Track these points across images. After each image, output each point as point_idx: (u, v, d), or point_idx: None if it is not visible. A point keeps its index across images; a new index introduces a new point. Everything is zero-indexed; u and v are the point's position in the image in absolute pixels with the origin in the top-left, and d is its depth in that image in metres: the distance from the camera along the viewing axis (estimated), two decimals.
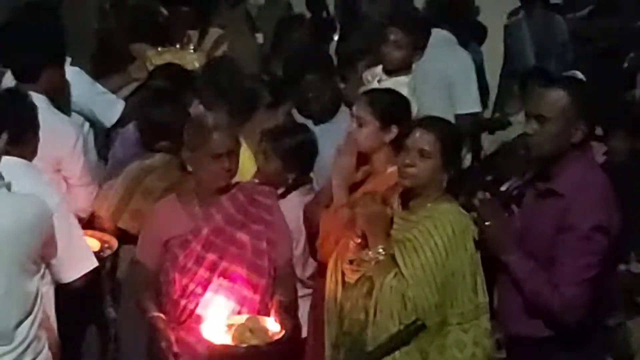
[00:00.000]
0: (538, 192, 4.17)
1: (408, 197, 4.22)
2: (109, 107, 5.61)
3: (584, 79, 5.76)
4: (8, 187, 3.84)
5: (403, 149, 4.19)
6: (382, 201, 4.17)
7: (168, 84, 5.56)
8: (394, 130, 4.52)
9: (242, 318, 4.18)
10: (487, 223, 4.15)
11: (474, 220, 4.17)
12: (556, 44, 8.83)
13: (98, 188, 5.15)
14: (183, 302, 4.26)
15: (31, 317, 3.85)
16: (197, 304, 4.25)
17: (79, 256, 4.16)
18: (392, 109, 4.62)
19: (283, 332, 4.10)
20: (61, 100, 5.26)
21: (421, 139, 4.14)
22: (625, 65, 8.65)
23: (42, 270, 3.96)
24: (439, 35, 6.55)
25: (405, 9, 8.26)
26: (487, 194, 4.25)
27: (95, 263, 4.26)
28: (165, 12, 7.14)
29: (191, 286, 4.26)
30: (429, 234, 4.06)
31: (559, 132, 4.04)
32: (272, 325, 4.14)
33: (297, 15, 8.84)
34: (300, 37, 7.67)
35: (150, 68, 6.12)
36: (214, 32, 7.44)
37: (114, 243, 4.79)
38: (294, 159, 4.94)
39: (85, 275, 4.19)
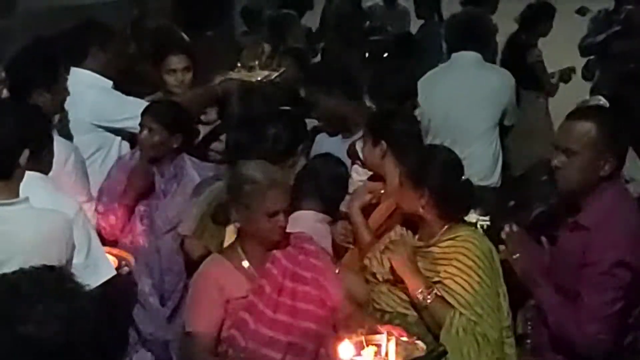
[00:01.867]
0: (565, 225, 4.12)
1: (410, 224, 4.29)
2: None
3: (607, 104, 5.73)
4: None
5: None
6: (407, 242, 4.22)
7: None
8: (383, 144, 4.68)
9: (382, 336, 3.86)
10: (514, 256, 4.12)
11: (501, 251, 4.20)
12: None
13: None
14: None
15: None
16: None
17: (97, 265, 4.13)
18: (377, 124, 4.79)
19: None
20: (51, 121, 5.27)
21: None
22: None
23: None
24: (469, 56, 6.61)
25: None
26: (515, 226, 4.21)
27: (113, 272, 4.23)
28: (186, 37, 7.14)
29: (265, 351, 3.99)
30: (469, 268, 4.07)
31: (588, 165, 3.95)
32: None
33: None
34: None
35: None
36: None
37: (132, 260, 4.79)
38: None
39: (103, 285, 4.14)
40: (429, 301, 4.06)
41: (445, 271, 4.09)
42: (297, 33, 8.41)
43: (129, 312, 5.28)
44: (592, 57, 9.71)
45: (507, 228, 4.19)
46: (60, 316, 2.50)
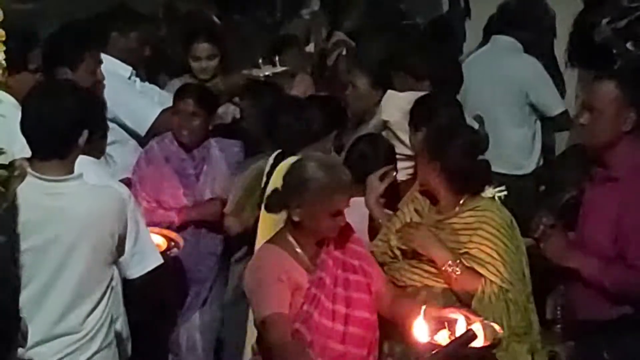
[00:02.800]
0: (594, 178, 4.31)
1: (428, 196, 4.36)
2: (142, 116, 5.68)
3: None
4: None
5: None
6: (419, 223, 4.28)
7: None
8: (424, 130, 4.73)
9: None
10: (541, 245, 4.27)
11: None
12: None
13: None
14: None
15: (100, 307, 3.88)
16: None
17: (145, 253, 4.14)
18: (417, 111, 4.92)
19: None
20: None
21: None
22: None
23: (115, 262, 4.00)
24: (503, 41, 6.61)
25: None
26: (548, 219, 4.33)
27: (160, 260, 4.25)
28: (218, 20, 7.15)
29: (330, 344, 3.97)
30: (494, 236, 4.16)
31: (611, 122, 4.20)
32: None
33: None
34: None
35: None
36: (338, 35, 7.60)
37: (181, 241, 4.81)
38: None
39: (151, 272, 4.17)
40: (458, 272, 4.12)
41: (470, 241, 4.17)
42: (355, 15, 8.38)
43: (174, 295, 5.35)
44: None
45: (537, 220, 4.32)
46: None
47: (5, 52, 3.42)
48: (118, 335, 4.07)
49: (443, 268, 4.14)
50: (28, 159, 3.81)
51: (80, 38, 5.22)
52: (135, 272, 4.12)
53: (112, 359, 4.01)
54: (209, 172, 5.40)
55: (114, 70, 5.71)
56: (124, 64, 5.79)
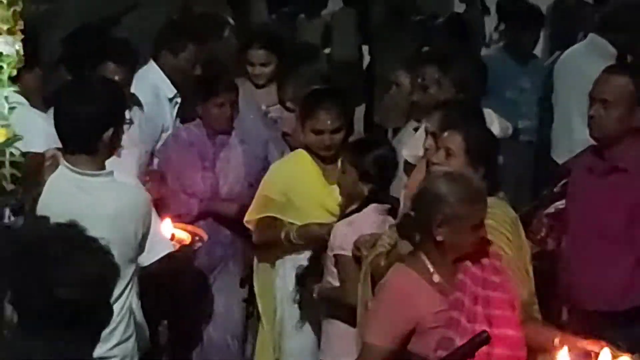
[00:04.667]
0: (597, 171, 4.40)
1: None
2: None
3: None
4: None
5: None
6: None
7: None
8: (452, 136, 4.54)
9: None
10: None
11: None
12: None
13: None
14: None
15: (120, 303, 3.90)
16: None
17: (153, 242, 4.16)
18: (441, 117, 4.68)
19: None
20: (36, 101, 5.22)
21: (448, 138, 4.26)
22: None
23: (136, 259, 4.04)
24: (598, 43, 6.52)
25: None
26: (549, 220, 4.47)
27: (170, 247, 4.29)
28: (232, 21, 7.19)
29: None
30: (496, 230, 4.09)
31: (622, 116, 4.30)
32: None
33: None
34: None
35: None
36: None
37: (205, 236, 4.87)
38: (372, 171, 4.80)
39: (163, 260, 4.20)
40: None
41: None
42: None
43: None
44: None
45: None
46: None
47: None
48: (136, 326, 4.11)
49: None
50: (62, 151, 3.93)
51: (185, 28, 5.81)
52: (146, 259, 4.14)
53: (132, 350, 4.05)
54: (224, 159, 5.49)
55: (161, 87, 5.83)
56: (171, 85, 5.89)
